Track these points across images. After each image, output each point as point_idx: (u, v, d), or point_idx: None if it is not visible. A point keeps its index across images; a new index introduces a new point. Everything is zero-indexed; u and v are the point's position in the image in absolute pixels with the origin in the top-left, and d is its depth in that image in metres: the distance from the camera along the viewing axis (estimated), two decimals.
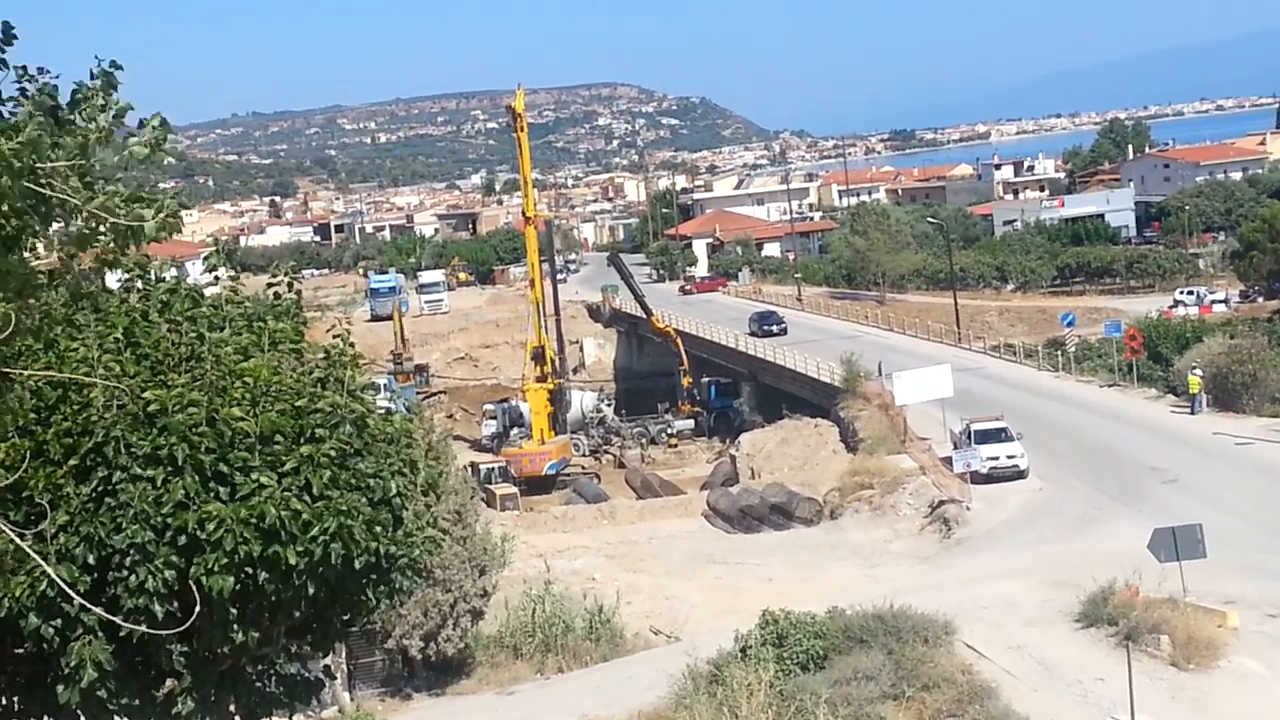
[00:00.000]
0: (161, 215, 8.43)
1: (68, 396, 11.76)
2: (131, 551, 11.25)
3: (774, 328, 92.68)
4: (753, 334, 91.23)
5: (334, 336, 13.52)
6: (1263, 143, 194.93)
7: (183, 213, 9.15)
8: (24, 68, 8.02)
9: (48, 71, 8.15)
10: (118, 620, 10.65)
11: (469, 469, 65.72)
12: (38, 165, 7.62)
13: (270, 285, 14.18)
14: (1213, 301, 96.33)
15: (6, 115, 8.02)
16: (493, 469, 70.51)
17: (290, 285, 14.32)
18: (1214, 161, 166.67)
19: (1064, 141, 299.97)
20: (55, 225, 8.21)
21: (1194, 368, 57.23)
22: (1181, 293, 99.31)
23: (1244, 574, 33.26)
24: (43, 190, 7.70)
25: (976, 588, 34.42)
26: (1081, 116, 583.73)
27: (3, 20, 7.83)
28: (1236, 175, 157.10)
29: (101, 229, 8.14)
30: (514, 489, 67.14)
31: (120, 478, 11.40)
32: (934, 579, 38.25)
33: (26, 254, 8.13)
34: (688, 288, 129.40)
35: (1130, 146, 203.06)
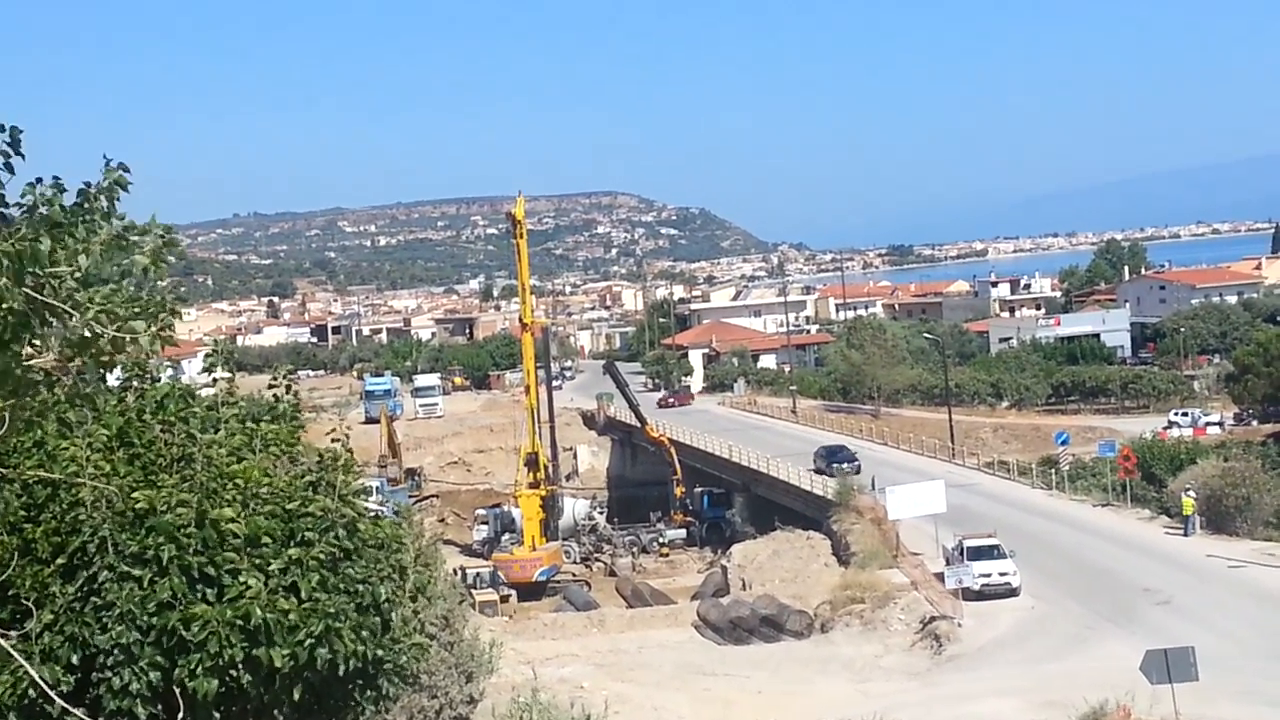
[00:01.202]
0: (155, 329, 8.50)
1: (57, 495, 11.75)
2: (116, 652, 11.18)
3: (845, 465, 78.74)
4: (819, 471, 78.37)
5: (332, 440, 13.55)
6: (1258, 267, 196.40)
7: (181, 310, 9.23)
8: (36, 180, 8.13)
9: (57, 179, 8.24)
10: None
11: (457, 573, 65.51)
12: (37, 270, 7.69)
13: (270, 388, 14.25)
14: (1207, 424, 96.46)
15: (11, 218, 8.11)
16: (478, 574, 70.22)
17: (288, 388, 14.38)
18: (1210, 284, 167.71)
19: (1061, 261, 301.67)
20: (53, 325, 8.26)
21: (1188, 489, 57.29)
22: (1176, 414, 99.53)
23: (1236, 698, 33.09)
24: (40, 296, 7.77)
25: (968, 705, 34.21)
26: (1078, 236, 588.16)
27: (11, 125, 7.94)
28: (1232, 299, 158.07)
29: (99, 333, 8.20)
30: (494, 595, 66.76)
31: (107, 577, 11.36)
32: (925, 696, 38.00)
33: (23, 352, 8.17)
34: (669, 400, 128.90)
35: (1126, 267, 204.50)
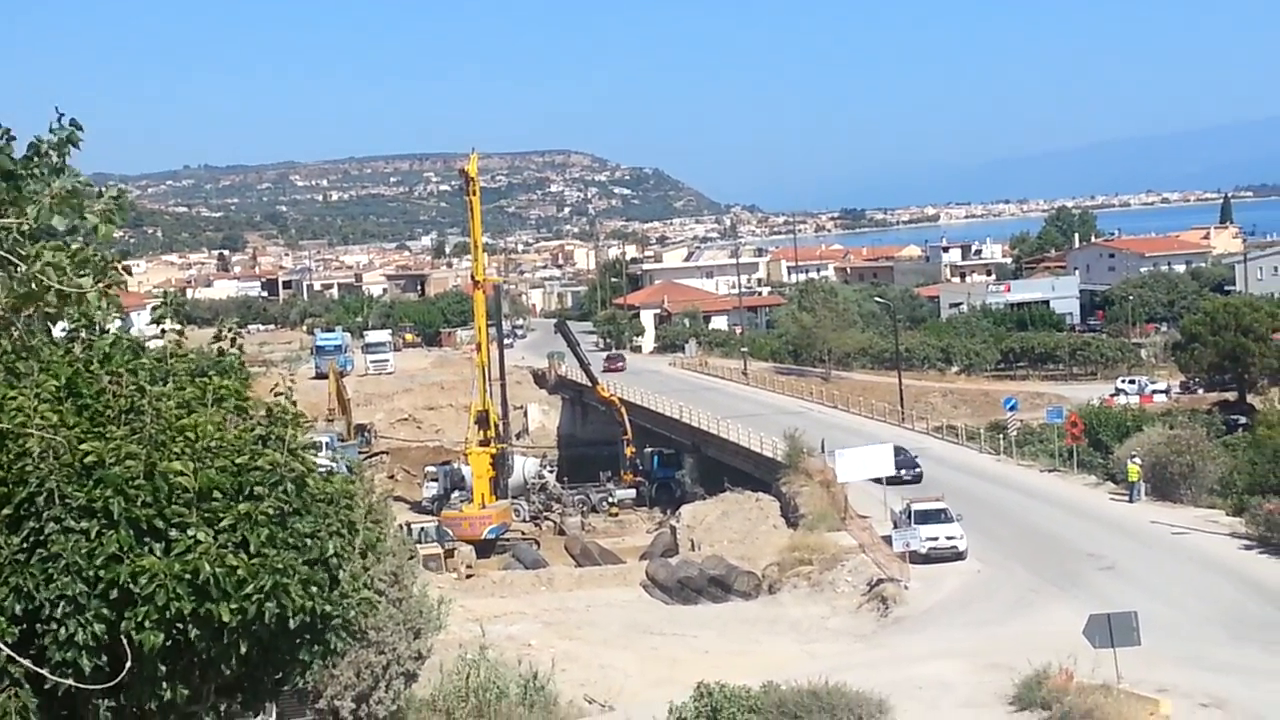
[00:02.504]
0: (102, 285, 8.42)
1: (4, 445, 11.63)
2: (62, 604, 11.10)
3: (904, 473, 63.77)
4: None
5: (276, 394, 13.45)
6: (1206, 237, 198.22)
7: (130, 267, 9.15)
8: None
9: (7, 130, 8.13)
10: (45, 673, 10.50)
11: (404, 529, 65.32)
12: None
13: (215, 341, 14.12)
14: (1153, 391, 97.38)
15: None
16: (423, 529, 70.10)
17: (234, 341, 14.27)
18: (1159, 253, 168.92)
19: (1012, 227, 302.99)
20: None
21: (1133, 456, 57.76)
22: (1123, 381, 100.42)
23: (1178, 663, 33.44)
24: None
25: (912, 667, 34.43)
26: (1030, 203, 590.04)
27: None
28: (1180, 268, 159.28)
29: (46, 285, 8.11)
30: (438, 549, 66.61)
31: (53, 529, 11.26)
32: (870, 657, 38.23)
33: None
34: (615, 365, 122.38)
35: (1077, 235, 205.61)
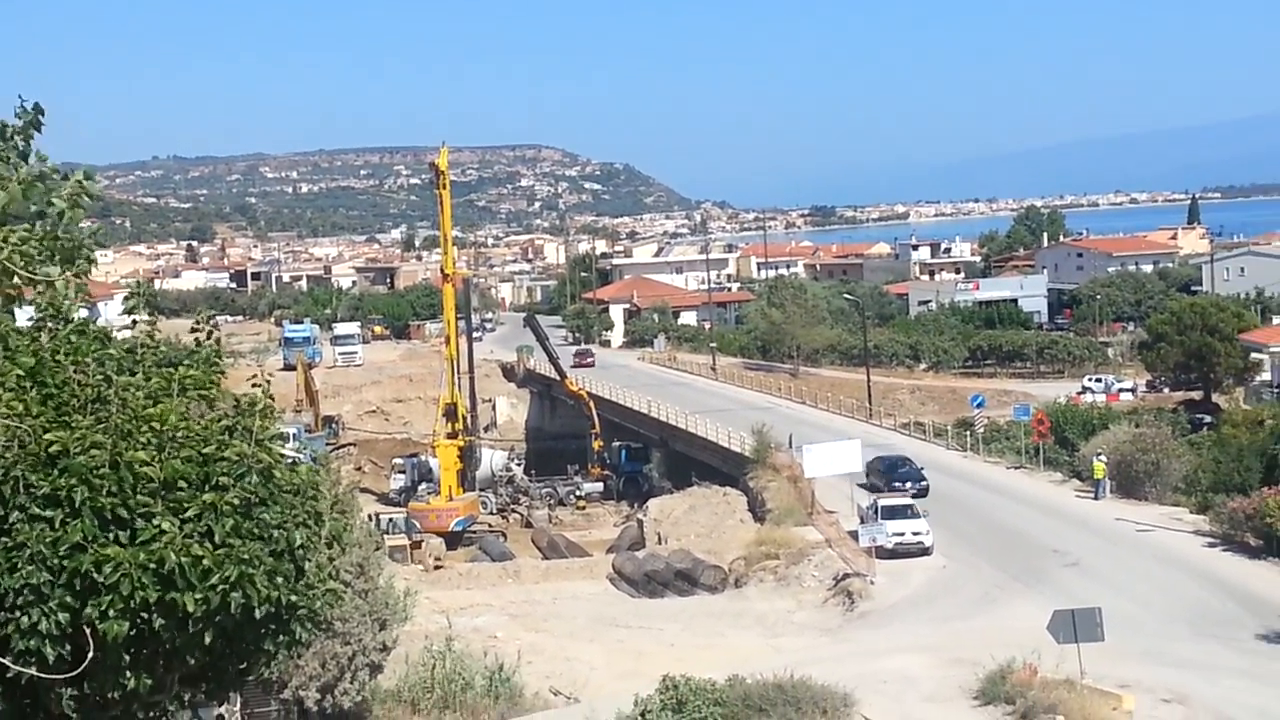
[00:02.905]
0: (69, 274, 8.43)
1: None
2: (25, 592, 11.08)
3: (908, 485, 59.41)
4: (873, 488, 60.20)
5: (253, 385, 13.47)
6: (1174, 237, 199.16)
7: (98, 254, 9.15)
8: None
9: None
10: (7, 662, 10.49)
11: (372, 520, 65.23)
12: None
13: (193, 331, 14.11)
14: (1120, 390, 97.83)
15: None
16: (391, 519, 69.96)
17: (210, 334, 14.27)
18: (1126, 253, 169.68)
19: (981, 226, 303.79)
20: None
21: (1099, 454, 58.09)
22: (1090, 380, 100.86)
23: (1141, 659, 33.67)
24: None
25: (877, 661, 34.57)
26: (999, 202, 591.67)
27: None
28: (1148, 267, 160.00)
29: (11, 271, 8.10)
30: (404, 541, 66.50)
31: (17, 518, 11.25)
32: (835, 651, 38.36)
33: None
34: (583, 360, 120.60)
35: (1045, 234, 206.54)
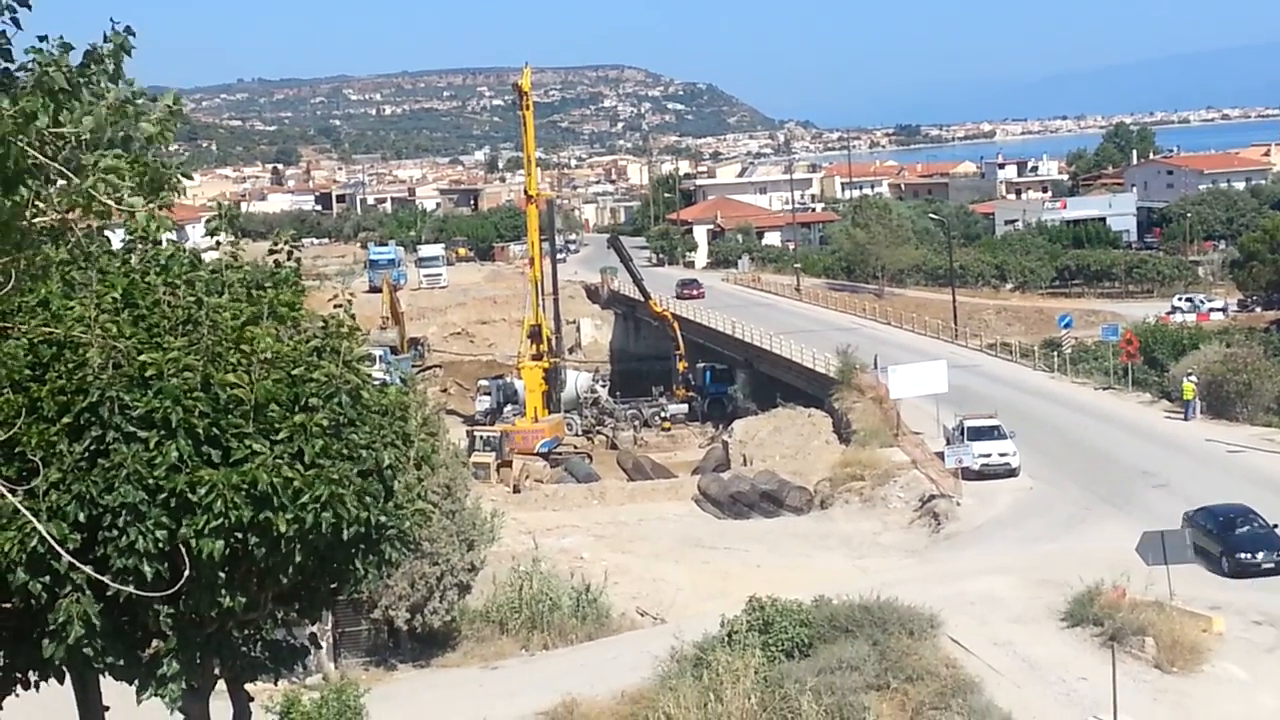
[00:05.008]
0: (152, 206, 8.45)
1: (63, 354, 11.75)
2: (123, 511, 11.26)
3: (1258, 555, 38.77)
4: (1197, 549, 41.61)
5: (335, 307, 13.54)
6: (1267, 153, 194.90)
7: (186, 183, 9.19)
8: (42, 38, 8.01)
9: (63, 39, 8.12)
10: (106, 579, 10.66)
11: (466, 437, 65.76)
12: (40, 129, 7.62)
13: (271, 253, 14.19)
14: (1210, 309, 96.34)
15: (18, 77, 8.01)
16: (486, 437, 70.25)
17: (290, 254, 14.34)
18: (1217, 170, 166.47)
19: (1068, 144, 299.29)
20: (55, 183, 8.22)
21: (1189, 374, 57.36)
22: (1179, 299, 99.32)
23: (1229, 581, 33.38)
24: (41, 156, 7.70)
25: (963, 583, 34.47)
26: (1087, 119, 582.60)
27: None
28: (1239, 185, 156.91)
29: (98, 198, 8.13)
30: (487, 458, 66.79)
31: (114, 438, 11.40)
32: (921, 572, 38.31)
33: (26, 209, 8.12)
34: (691, 291, 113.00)
35: (1134, 152, 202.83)
